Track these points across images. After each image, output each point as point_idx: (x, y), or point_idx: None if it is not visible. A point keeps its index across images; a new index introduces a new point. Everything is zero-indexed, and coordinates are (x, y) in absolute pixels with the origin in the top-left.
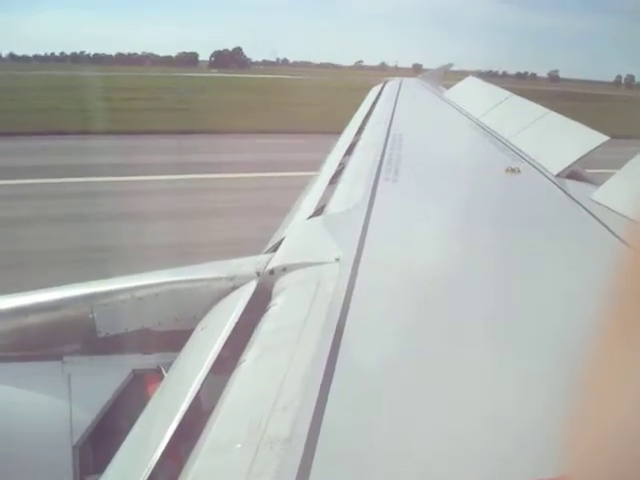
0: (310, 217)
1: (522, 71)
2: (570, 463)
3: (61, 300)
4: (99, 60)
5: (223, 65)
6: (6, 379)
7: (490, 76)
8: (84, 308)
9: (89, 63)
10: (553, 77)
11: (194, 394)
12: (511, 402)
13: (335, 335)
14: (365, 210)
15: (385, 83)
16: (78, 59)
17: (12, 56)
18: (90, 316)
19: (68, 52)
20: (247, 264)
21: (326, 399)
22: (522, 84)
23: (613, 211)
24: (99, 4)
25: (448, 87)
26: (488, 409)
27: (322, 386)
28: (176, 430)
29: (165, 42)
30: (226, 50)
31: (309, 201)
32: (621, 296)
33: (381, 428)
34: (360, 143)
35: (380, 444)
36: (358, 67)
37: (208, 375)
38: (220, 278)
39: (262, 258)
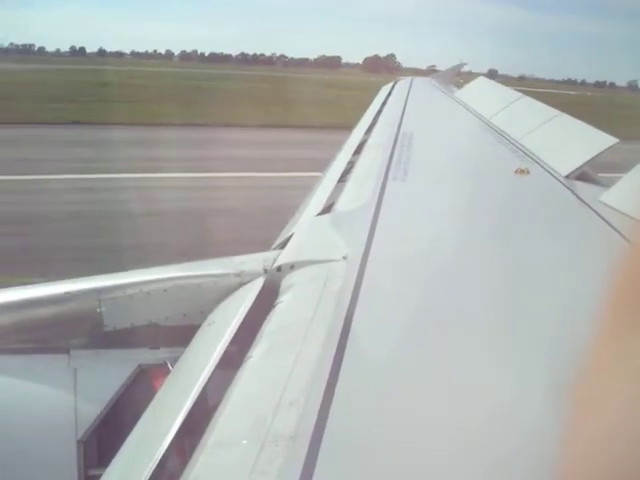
0: (318, 215)
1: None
2: (570, 464)
3: (69, 293)
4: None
5: (373, 70)
6: (13, 371)
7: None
8: (92, 302)
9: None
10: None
11: (200, 389)
12: (519, 401)
13: (342, 333)
14: (373, 209)
15: (396, 82)
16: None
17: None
18: (98, 310)
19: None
20: (255, 261)
21: (332, 397)
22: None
23: (622, 213)
24: None
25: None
26: (494, 407)
27: (328, 384)
28: (181, 425)
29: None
30: (377, 56)
31: (318, 199)
32: (628, 297)
33: (386, 426)
34: (370, 142)
35: (385, 442)
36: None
37: (214, 371)
38: (228, 274)
39: (270, 255)
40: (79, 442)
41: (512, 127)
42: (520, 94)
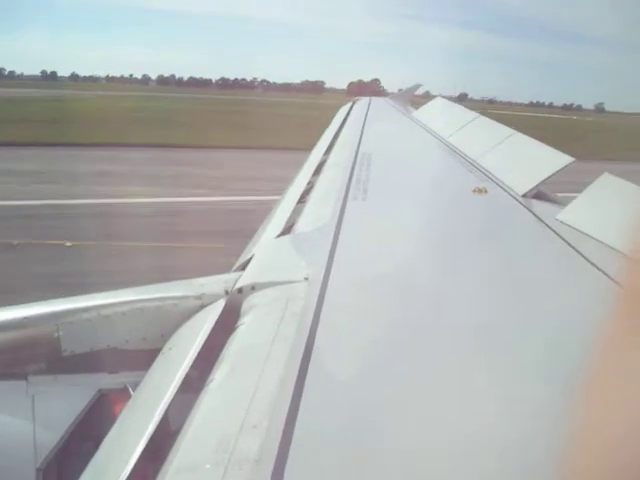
0: (279, 236)
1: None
2: (571, 467)
3: (26, 318)
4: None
5: (359, 94)
6: None
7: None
8: (49, 326)
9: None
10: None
11: (162, 414)
12: (487, 421)
13: (304, 353)
14: (334, 229)
15: (354, 102)
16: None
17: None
18: (55, 335)
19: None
20: (215, 282)
21: (295, 418)
22: None
23: (578, 231)
24: None
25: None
26: (463, 429)
27: (291, 405)
28: (144, 450)
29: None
30: (361, 81)
31: (277, 220)
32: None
33: (351, 446)
34: (329, 162)
35: (350, 462)
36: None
37: (176, 394)
38: (188, 297)
39: (230, 277)
40: (38, 470)
41: (469, 146)
42: (476, 114)
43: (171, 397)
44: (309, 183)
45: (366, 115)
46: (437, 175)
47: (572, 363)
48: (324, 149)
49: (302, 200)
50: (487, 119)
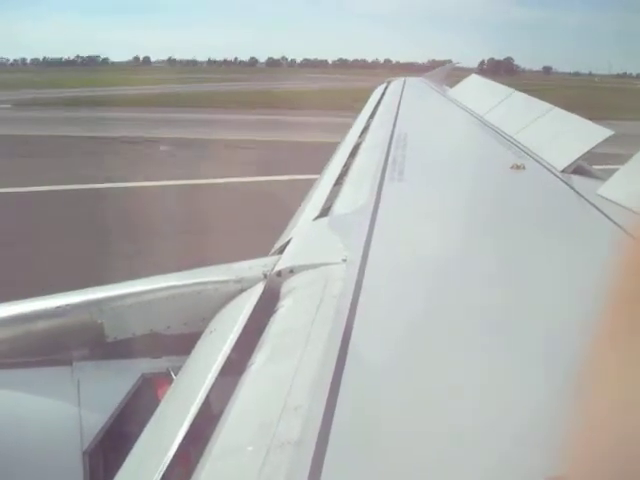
0: (316, 218)
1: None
2: (572, 461)
3: (69, 305)
4: None
5: (493, 72)
6: (16, 385)
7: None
8: (93, 313)
9: None
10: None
11: (204, 397)
12: (529, 400)
13: (343, 336)
14: (371, 210)
15: (389, 83)
16: None
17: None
18: (99, 321)
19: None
20: (254, 266)
21: (336, 400)
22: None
23: (619, 205)
24: None
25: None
26: (501, 407)
27: (332, 387)
28: (186, 434)
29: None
30: (492, 59)
31: (315, 202)
32: (629, 290)
33: (391, 429)
34: (365, 144)
35: (390, 445)
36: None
37: (218, 378)
38: (227, 281)
39: (269, 260)
40: (84, 453)
41: (506, 123)
42: (512, 90)
43: (213, 380)
44: (345, 165)
45: (401, 95)
46: (474, 153)
47: None
48: (360, 131)
49: (339, 182)
50: (523, 94)
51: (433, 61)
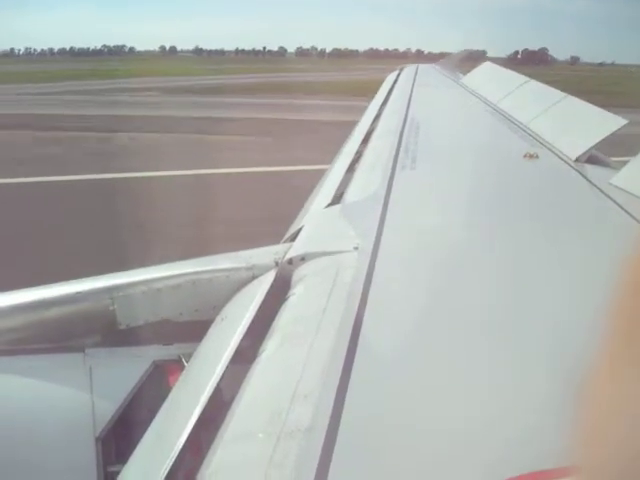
0: (328, 206)
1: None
2: (574, 453)
3: (81, 292)
4: None
5: (527, 62)
6: (28, 372)
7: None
8: (105, 300)
9: None
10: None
11: (215, 384)
12: (539, 395)
13: (354, 324)
14: (383, 198)
15: (401, 70)
16: None
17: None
18: (111, 308)
19: None
20: (266, 254)
21: (346, 388)
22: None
23: (634, 195)
24: None
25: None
26: (508, 398)
27: (342, 375)
28: (197, 420)
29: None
30: (526, 49)
31: (326, 190)
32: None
33: (401, 418)
34: (377, 131)
35: (400, 434)
36: None
37: (229, 365)
38: (239, 268)
39: (280, 248)
40: (97, 439)
41: (519, 111)
42: (526, 78)
43: (224, 368)
44: (357, 152)
45: (414, 82)
46: (487, 141)
47: None
48: (372, 118)
49: (351, 169)
50: (537, 83)
51: (466, 51)
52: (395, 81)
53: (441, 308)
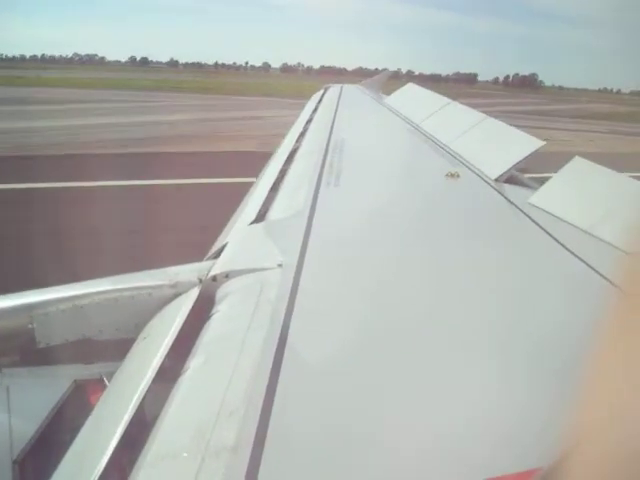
0: (252, 223)
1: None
2: (566, 450)
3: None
4: None
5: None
6: None
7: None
8: (23, 318)
9: None
10: None
11: (138, 403)
12: (456, 406)
13: (279, 340)
14: (307, 216)
15: (326, 89)
16: None
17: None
18: (29, 326)
19: None
20: (189, 271)
21: (272, 405)
22: None
23: (551, 214)
24: None
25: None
26: (443, 413)
27: (267, 392)
28: (120, 440)
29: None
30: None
31: (251, 207)
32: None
33: (328, 433)
34: (301, 150)
35: (327, 450)
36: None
37: (152, 384)
38: (162, 285)
39: (204, 265)
40: (14, 462)
41: (441, 132)
42: (448, 99)
43: (147, 386)
44: (282, 170)
45: (338, 102)
46: (410, 160)
47: (545, 349)
48: (296, 136)
49: (275, 187)
50: (459, 104)
51: (457, 73)
52: (319, 100)
53: (365, 323)
